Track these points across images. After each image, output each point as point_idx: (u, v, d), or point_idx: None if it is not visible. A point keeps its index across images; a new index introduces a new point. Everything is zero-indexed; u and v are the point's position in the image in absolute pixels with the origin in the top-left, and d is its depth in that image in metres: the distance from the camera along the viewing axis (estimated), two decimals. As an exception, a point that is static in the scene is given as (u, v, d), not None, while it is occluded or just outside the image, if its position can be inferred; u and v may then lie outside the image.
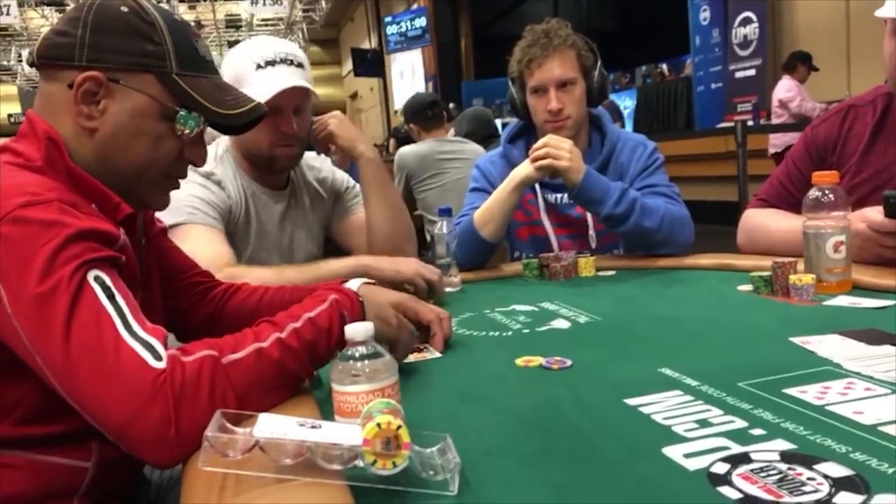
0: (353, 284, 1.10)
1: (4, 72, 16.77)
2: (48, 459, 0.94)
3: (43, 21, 13.36)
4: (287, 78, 1.58)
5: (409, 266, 1.52)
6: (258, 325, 0.93)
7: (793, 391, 0.87)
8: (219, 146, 1.73)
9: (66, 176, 0.95)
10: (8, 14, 10.04)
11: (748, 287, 1.42)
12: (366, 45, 15.68)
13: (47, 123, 0.97)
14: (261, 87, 1.53)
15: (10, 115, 18.26)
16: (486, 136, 4.22)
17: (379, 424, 0.67)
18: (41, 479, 0.94)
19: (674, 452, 0.73)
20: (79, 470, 0.96)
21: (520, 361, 1.08)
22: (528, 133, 1.98)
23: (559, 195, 1.93)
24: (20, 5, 11.03)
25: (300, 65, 1.63)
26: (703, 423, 0.80)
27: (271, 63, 1.59)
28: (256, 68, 1.58)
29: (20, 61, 15.17)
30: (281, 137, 1.63)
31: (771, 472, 0.67)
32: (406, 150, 3.98)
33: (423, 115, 4.03)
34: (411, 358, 1.11)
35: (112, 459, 0.96)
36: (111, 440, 0.80)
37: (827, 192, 1.35)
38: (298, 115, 1.64)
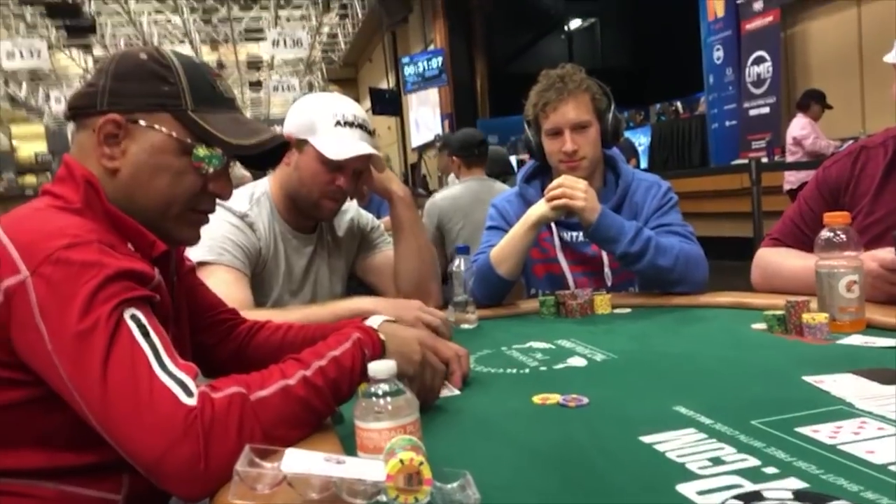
0: (376, 321, 1.12)
1: (33, 111, 17.14)
2: (78, 491, 0.97)
3: (70, 62, 13.68)
4: (362, 144, 1.68)
5: (410, 312, 1.50)
6: (285, 363, 0.95)
7: (806, 430, 0.88)
8: (257, 188, 1.79)
9: (104, 217, 0.99)
10: (39, 57, 10.31)
11: (762, 325, 1.43)
12: (383, 85, 15.91)
13: (84, 167, 1.02)
14: (336, 143, 1.64)
15: (36, 154, 18.63)
16: (500, 173, 4.24)
17: (402, 460, 0.70)
18: (72, 512, 0.97)
19: (687, 490, 0.75)
20: (109, 502, 0.99)
21: (537, 399, 1.10)
22: (543, 173, 2.02)
23: (575, 233, 1.96)
24: (49, 48, 11.33)
25: (371, 132, 1.73)
26: (717, 461, 0.81)
27: (350, 124, 1.68)
28: (335, 124, 1.66)
29: (48, 101, 15.51)
30: (334, 191, 1.69)
31: (783, 510, 0.69)
32: (438, 197, 3.92)
33: (470, 151, 3.97)
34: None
35: (142, 493, 0.99)
36: (143, 473, 0.83)
37: (839, 232, 1.37)
38: (354, 177, 1.72)
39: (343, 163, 1.65)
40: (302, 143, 1.67)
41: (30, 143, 19.31)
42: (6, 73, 14.08)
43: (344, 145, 1.64)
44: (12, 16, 11.42)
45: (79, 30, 10.10)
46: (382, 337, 1.04)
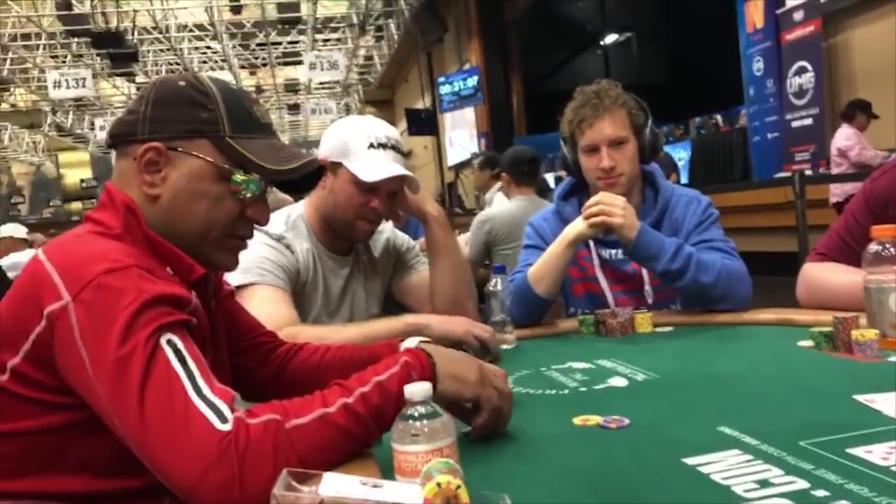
0: (412, 343, 1.12)
1: (78, 139, 17.63)
2: (120, 516, 0.98)
3: (114, 91, 14.06)
4: (395, 165, 1.69)
5: (460, 326, 1.52)
6: (329, 389, 0.94)
7: (857, 451, 0.85)
8: (293, 211, 1.81)
9: (144, 242, 1.01)
10: (84, 86, 10.62)
11: (809, 343, 1.39)
12: (419, 105, 16.03)
13: (124, 194, 1.04)
14: (370, 166, 1.65)
15: (82, 180, 19.15)
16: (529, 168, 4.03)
17: (439, 484, 0.69)
18: (115, 534, 0.98)
19: (734, 514, 0.72)
20: (149, 526, 1.00)
21: (577, 420, 1.08)
22: (580, 191, 2.00)
23: (613, 251, 1.93)
24: (94, 77, 11.67)
25: (403, 153, 1.74)
26: (764, 484, 0.79)
27: (383, 146, 1.69)
28: (369, 146, 1.68)
29: (93, 129, 15.95)
30: (368, 212, 1.71)
31: (835, 535, 0.66)
32: (496, 213, 3.85)
33: (521, 169, 3.89)
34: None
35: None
36: (181, 498, 0.84)
37: (888, 245, 1.33)
38: (388, 198, 1.73)
39: (377, 184, 1.66)
40: (336, 167, 1.68)
41: (76, 171, 19.88)
42: (54, 102, 14.53)
43: (377, 167, 1.65)
44: (59, 46, 11.80)
45: (122, 58, 10.38)
46: (434, 359, 0.99)
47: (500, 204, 4.06)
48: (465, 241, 4.10)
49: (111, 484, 0.97)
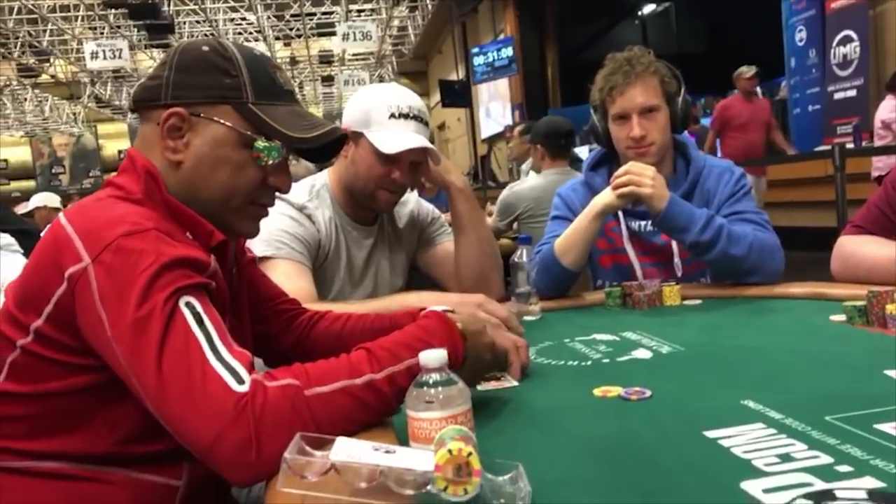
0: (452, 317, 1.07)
1: (117, 111, 17.85)
2: (144, 477, 1.00)
3: (151, 62, 14.18)
4: (416, 136, 1.66)
5: (470, 309, 1.45)
6: (357, 354, 0.93)
7: (885, 427, 0.83)
8: (317, 180, 1.80)
9: (163, 206, 1.01)
10: (120, 57, 10.71)
11: (841, 317, 1.36)
12: (453, 77, 15.90)
13: (146, 158, 1.04)
14: (391, 136, 1.63)
15: (120, 151, 19.43)
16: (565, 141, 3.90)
17: (450, 451, 0.68)
18: (138, 496, 0.99)
19: (753, 487, 0.71)
20: (171, 488, 1.01)
21: (598, 392, 1.07)
22: (610, 161, 1.96)
23: (643, 222, 1.90)
24: (131, 49, 11.77)
25: (427, 123, 1.71)
26: (786, 458, 0.77)
27: (405, 116, 1.67)
28: (390, 116, 1.66)
29: (129, 104, 16.12)
30: (389, 183, 1.69)
31: (856, 511, 0.64)
32: (522, 188, 3.79)
33: (556, 142, 3.76)
34: (488, 386, 1.12)
35: (202, 479, 1.01)
36: (199, 458, 0.85)
37: (926, 217, 1.28)
38: (411, 168, 1.71)
39: (397, 156, 1.64)
40: (357, 136, 1.67)
41: (114, 142, 20.14)
42: (92, 73, 14.70)
43: (398, 138, 1.63)
44: (97, 18, 11.91)
45: (158, 29, 10.44)
46: (468, 355, 1.00)
47: (531, 179, 3.95)
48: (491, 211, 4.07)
49: (136, 446, 0.99)
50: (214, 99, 1.04)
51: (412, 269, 1.99)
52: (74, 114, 19.21)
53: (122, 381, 0.90)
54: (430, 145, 1.69)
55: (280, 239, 1.62)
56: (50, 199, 6.21)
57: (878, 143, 6.52)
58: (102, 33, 12.29)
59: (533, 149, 3.95)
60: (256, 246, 1.52)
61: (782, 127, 9.15)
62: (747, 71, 7.17)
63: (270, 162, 1.06)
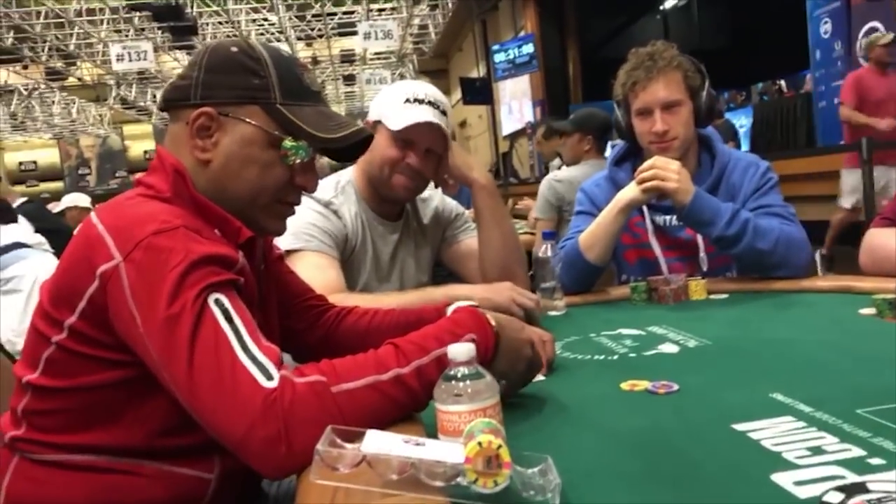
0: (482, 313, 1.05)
1: (142, 112, 18.05)
2: (177, 470, 1.01)
3: (175, 64, 14.32)
4: (425, 114, 1.66)
5: (503, 294, 1.49)
6: (384, 348, 0.93)
7: (918, 420, 0.82)
8: (342, 176, 1.81)
9: (192, 204, 1.03)
10: (145, 59, 10.82)
11: (871, 310, 1.34)
12: (474, 74, 15.88)
13: (174, 157, 1.05)
14: (400, 117, 1.65)
15: (145, 152, 19.65)
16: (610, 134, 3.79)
17: (480, 443, 0.69)
18: (170, 489, 1.01)
19: (783, 479, 0.71)
20: (203, 481, 1.03)
21: (625, 385, 1.07)
22: (634, 155, 1.96)
23: (668, 217, 1.89)
24: (155, 51, 11.89)
25: (444, 112, 1.71)
26: (817, 451, 0.77)
27: (419, 101, 1.68)
28: (404, 101, 1.67)
29: (155, 101, 16.31)
30: (404, 167, 1.70)
31: None
32: (556, 181, 3.68)
33: (607, 135, 3.66)
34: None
35: (232, 472, 1.02)
36: (230, 452, 0.86)
37: (958, 209, 1.26)
38: (429, 155, 1.71)
39: (410, 137, 1.65)
40: (376, 125, 1.69)
41: (140, 143, 20.36)
42: (118, 75, 14.88)
43: (407, 117, 1.64)
44: (122, 21, 12.05)
45: (181, 31, 10.53)
46: (499, 339, 0.98)
47: (574, 170, 3.77)
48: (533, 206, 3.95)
49: (169, 439, 1.00)
50: (243, 99, 1.05)
51: (436, 265, 2.00)
52: (101, 115, 19.45)
53: (154, 376, 0.92)
54: (439, 122, 1.67)
55: (308, 232, 1.64)
56: (81, 199, 6.31)
57: (905, 135, 6.41)
58: (127, 36, 12.43)
59: (576, 139, 3.80)
60: (284, 240, 1.53)
61: (807, 120, 9.05)
62: (882, 37, 6.00)
63: (297, 161, 1.07)
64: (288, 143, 1.05)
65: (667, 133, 1.78)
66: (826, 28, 8.21)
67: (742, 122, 10.86)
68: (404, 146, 1.68)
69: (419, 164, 1.70)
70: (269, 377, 0.84)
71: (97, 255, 0.93)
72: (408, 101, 1.67)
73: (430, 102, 1.68)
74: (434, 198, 1.94)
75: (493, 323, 0.99)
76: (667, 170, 1.69)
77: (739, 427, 0.86)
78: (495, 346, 0.98)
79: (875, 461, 0.73)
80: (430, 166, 1.73)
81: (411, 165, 1.69)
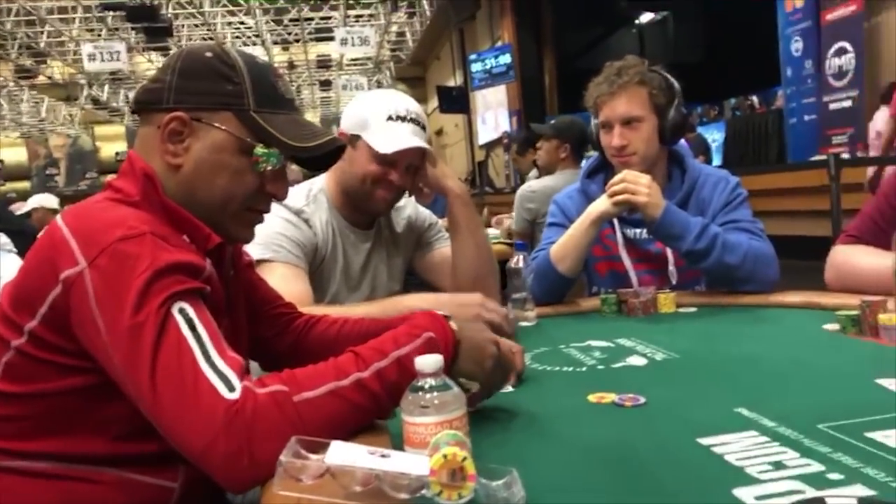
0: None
1: (114, 113, 17.85)
2: (139, 478, 1.00)
3: (149, 65, 14.19)
4: (412, 137, 1.67)
5: (470, 310, 1.43)
6: (344, 356, 0.93)
7: (876, 435, 0.84)
8: (314, 184, 1.80)
9: (161, 209, 1.01)
10: (118, 59, 10.72)
11: (835, 326, 1.37)
12: (451, 83, 15.93)
13: (144, 162, 1.04)
14: (386, 138, 1.64)
15: (117, 153, 19.42)
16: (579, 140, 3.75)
17: (445, 455, 0.69)
18: (132, 497, 0.99)
19: (745, 494, 0.72)
20: (167, 490, 1.01)
21: (592, 398, 1.08)
22: (606, 168, 1.97)
23: (638, 230, 1.91)
24: (129, 51, 11.77)
25: (424, 127, 1.71)
26: (778, 466, 0.78)
27: (402, 118, 1.67)
28: (387, 119, 1.66)
29: (128, 103, 16.14)
30: (386, 184, 1.69)
31: (847, 519, 0.65)
32: (530, 192, 3.64)
33: (581, 145, 3.60)
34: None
35: (197, 481, 1.01)
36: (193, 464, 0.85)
37: (919, 228, 1.29)
38: (409, 171, 1.71)
39: (394, 157, 1.65)
40: (355, 139, 1.67)
41: (111, 144, 20.13)
42: (89, 75, 14.70)
43: (394, 139, 1.64)
44: (95, 20, 11.92)
45: (156, 32, 10.45)
46: (458, 336, 0.98)
47: (552, 179, 3.73)
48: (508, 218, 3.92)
49: (130, 447, 0.99)
50: (216, 105, 1.04)
51: (408, 274, 2.00)
52: (71, 115, 19.20)
53: (114, 383, 0.91)
54: (427, 146, 1.69)
55: (277, 242, 1.63)
56: (48, 201, 6.20)
57: (873, 153, 6.55)
58: (100, 35, 12.30)
59: (554, 145, 3.78)
60: (253, 249, 1.52)
61: (778, 136, 9.20)
62: None
63: (269, 168, 1.06)
64: (259, 150, 1.05)
65: (625, 148, 1.81)
66: (797, 46, 8.37)
67: (715, 136, 11.01)
68: (387, 163, 1.67)
69: (401, 181, 1.70)
70: (232, 388, 0.83)
71: (61, 260, 0.91)
72: (390, 118, 1.66)
73: (412, 119, 1.68)
74: (407, 206, 1.94)
75: (452, 323, 0.99)
76: (637, 183, 1.70)
77: (704, 441, 0.86)
78: (455, 345, 0.98)
79: (833, 476, 0.74)
80: (410, 180, 1.73)
81: (394, 182, 1.69)
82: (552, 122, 4.08)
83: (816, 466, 0.77)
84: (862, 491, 0.71)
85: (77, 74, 15.42)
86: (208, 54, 1.06)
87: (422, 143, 1.68)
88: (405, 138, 1.65)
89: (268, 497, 0.76)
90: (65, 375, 0.96)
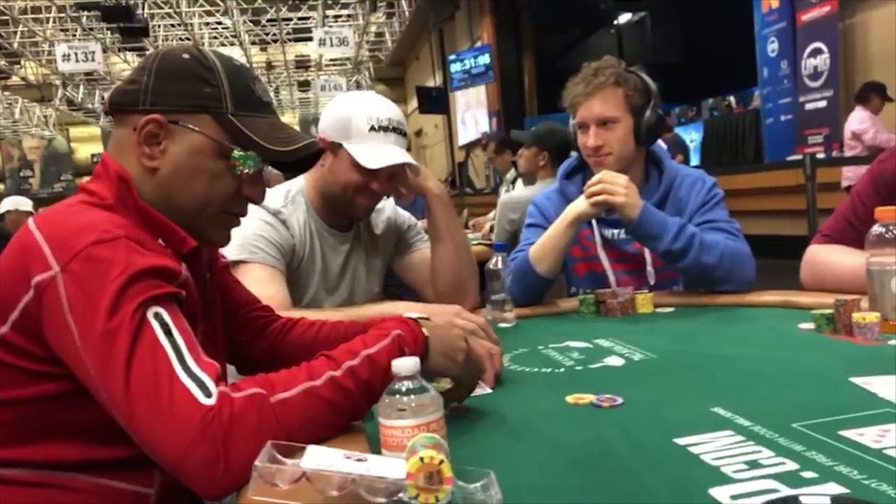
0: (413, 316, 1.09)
1: (89, 114, 17.65)
2: (113, 484, 0.99)
3: (125, 66, 14.05)
4: (396, 150, 1.66)
5: (444, 318, 1.40)
6: (316, 360, 0.93)
7: (849, 433, 0.85)
8: (293, 186, 1.79)
9: (136, 212, 1.00)
10: (93, 60, 10.60)
11: (810, 325, 1.38)
12: (430, 83, 15.94)
13: (119, 164, 1.03)
14: (372, 151, 1.63)
15: (93, 155, 19.21)
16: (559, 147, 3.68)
17: (422, 458, 0.68)
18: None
19: (720, 494, 0.72)
20: (142, 496, 1.00)
21: (570, 399, 1.08)
22: (584, 169, 1.98)
23: (616, 230, 1.92)
24: (104, 51, 11.64)
25: (405, 133, 1.71)
26: (753, 465, 0.78)
27: (385, 128, 1.66)
28: (370, 129, 1.65)
29: (103, 103, 15.97)
30: (368, 192, 1.69)
31: (821, 517, 0.65)
32: (512, 202, 3.58)
33: (563, 155, 3.37)
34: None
35: (173, 487, 0.99)
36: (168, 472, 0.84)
37: (891, 227, 1.31)
38: (390, 178, 1.70)
39: (377, 169, 1.64)
40: (336, 147, 1.66)
41: (87, 145, 19.91)
42: (64, 76, 14.53)
43: (379, 153, 1.63)
44: (69, 20, 11.77)
45: (132, 32, 10.34)
46: (426, 332, 1.00)
47: (532, 189, 3.70)
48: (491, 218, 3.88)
49: (104, 453, 0.97)
50: (194, 108, 1.03)
51: (388, 276, 1.99)
52: (46, 117, 18.96)
53: (87, 389, 0.89)
54: (411, 160, 1.68)
55: (255, 243, 1.61)
56: (21, 203, 6.11)
57: (848, 153, 6.64)
58: (75, 35, 12.16)
59: (533, 152, 3.76)
60: (230, 250, 1.50)
61: (755, 136, 9.29)
62: None
63: (246, 171, 1.05)
64: (237, 153, 1.04)
65: (601, 148, 1.82)
66: (773, 47, 8.47)
67: (693, 136, 11.08)
68: (369, 174, 1.65)
69: (382, 189, 1.70)
70: (208, 394, 0.82)
71: (33, 265, 0.90)
72: (373, 128, 1.64)
73: (394, 129, 1.67)
74: (386, 208, 1.93)
75: (421, 323, 1.01)
76: (615, 184, 1.71)
77: (681, 441, 0.87)
78: (424, 341, 0.99)
79: (808, 474, 0.75)
80: (391, 185, 1.73)
81: (376, 191, 1.69)
82: (532, 129, 4.06)
83: (791, 465, 0.77)
84: (836, 489, 0.71)
85: (51, 75, 15.23)
86: (185, 56, 1.05)
87: (407, 158, 1.67)
88: (390, 152, 1.64)
89: (243, 502, 0.75)
90: (38, 382, 0.94)
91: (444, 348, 1.01)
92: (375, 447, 0.85)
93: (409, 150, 1.78)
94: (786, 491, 0.71)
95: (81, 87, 16.08)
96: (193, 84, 1.03)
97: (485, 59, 12.87)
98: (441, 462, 0.68)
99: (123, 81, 1.09)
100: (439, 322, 1.14)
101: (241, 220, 1.13)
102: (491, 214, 4.59)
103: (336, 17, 13.73)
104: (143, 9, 10.96)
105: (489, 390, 1.15)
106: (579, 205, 1.77)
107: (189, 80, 1.03)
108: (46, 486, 0.97)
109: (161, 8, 12.08)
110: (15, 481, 0.96)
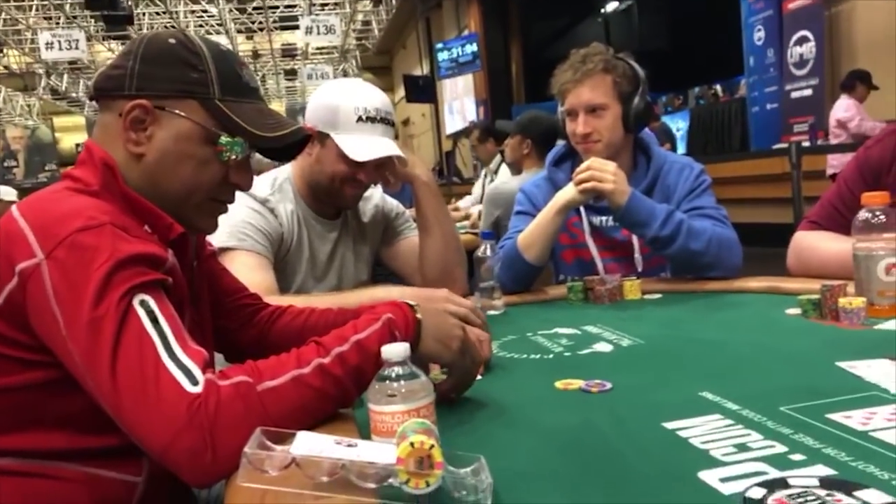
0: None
1: (73, 103, 17.48)
2: (101, 473, 0.98)
3: (109, 54, 13.92)
4: (385, 142, 1.65)
5: (436, 304, 1.45)
6: (306, 346, 0.92)
7: (836, 416, 0.85)
8: (280, 173, 1.78)
9: (121, 199, 0.99)
10: (77, 48, 10.48)
11: (797, 310, 1.39)
12: (417, 72, 15.87)
13: (104, 150, 1.02)
14: (360, 143, 1.61)
15: (77, 145, 19.04)
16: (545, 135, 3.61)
17: (412, 444, 0.68)
18: (95, 493, 0.97)
19: (710, 477, 0.72)
20: (130, 485, 1.00)
21: (559, 384, 1.08)
22: (572, 156, 1.98)
23: (604, 218, 1.92)
24: (88, 40, 11.52)
25: (393, 123, 1.70)
26: (742, 448, 0.79)
27: (373, 119, 1.64)
28: (357, 119, 1.63)
29: (88, 90, 15.81)
30: (355, 183, 1.68)
31: (809, 498, 0.66)
32: (497, 195, 3.45)
33: (552, 141, 3.34)
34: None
35: (162, 476, 0.99)
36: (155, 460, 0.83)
37: (877, 213, 1.32)
38: (377, 169, 1.70)
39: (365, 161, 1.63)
40: (323, 136, 1.65)
41: (71, 135, 19.74)
42: (47, 64, 14.37)
43: (367, 145, 1.62)
44: (52, 7, 11.64)
45: (116, 20, 10.22)
46: (419, 316, 0.98)
47: (515, 178, 3.68)
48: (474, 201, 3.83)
49: (92, 441, 0.97)
50: (180, 93, 1.02)
51: (376, 265, 1.99)
52: (29, 106, 18.78)
53: (74, 377, 0.89)
54: (399, 152, 1.67)
55: (243, 230, 1.60)
56: (6, 193, 6.05)
57: (833, 141, 6.68)
58: (58, 23, 12.02)
59: (517, 141, 3.72)
60: (218, 237, 1.49)
61: (741, 124, 9.32)
62: None
63: (234, 157, 1.04)
64: (224, 139, 1.03)
65: (590, 135, 1.82)
66: (759, 35, 8.49)
67: (679, 125, 11.11)
68: (357, 164, 1.64)
69: (370, 179, 1.69)
70: (195, 382, 0.82)
71: (17, 252, 0.89)
72: (361, 118, 1.63)
73: (382, 119, 1.66)
74: (374, 196, 1.93)
75: (414, 307, 0.99)
76: (603, 171, 1.71)
77: (670, 425, 0.87)
78: (417, 325, 0.97)
79: (796, 457, 0.75)
80: (379, 174, 1.72)
81: (363, 181, 1.68)
82: (517, 118, 4.03)
83: (779, 448, 0.78)
84: (823, 471, 0.72)
85: (34, 64, 15.07)
86: (172, 41, 1.04)
87: (395, 150, 1.65)
88: (378, 144, 1.63)
89: (233, 490, 0.75)
90: (23, 370, 0.93)
91: (438, 334, 0.99)
92: (365, 433, 0.85)
93: (396, 138, 1.77)
94: (775, 473, 0.72)
95: (65, 76, 15.93)
96: (180, 69, 1.02)
97: (472, 47, 12.83)
98: (431, 447, 0.68)
99: (108, 66, 1.07)
100: (429, 305, 1.14)
101: (229, 207, 1.13)
102: (468, 202, 4.54)
103: (323, 5, 13.64)
104: (127, -4, 10.84)
105: (479, 377, 1.15)
106: (568, 192, 1.77)
107: (175, 65, 1.02)
108: (34, 475, 0.96)
109: (145, -5, 11.97)
110: (2, 471, 0.95)
